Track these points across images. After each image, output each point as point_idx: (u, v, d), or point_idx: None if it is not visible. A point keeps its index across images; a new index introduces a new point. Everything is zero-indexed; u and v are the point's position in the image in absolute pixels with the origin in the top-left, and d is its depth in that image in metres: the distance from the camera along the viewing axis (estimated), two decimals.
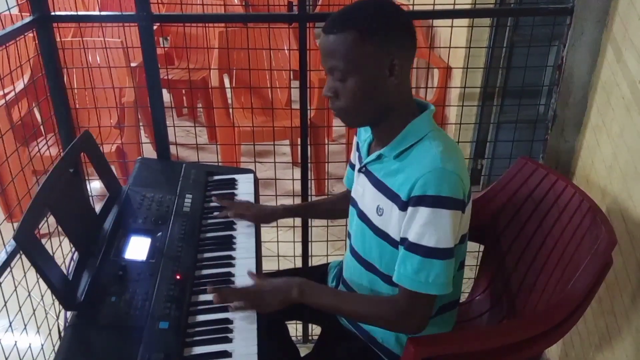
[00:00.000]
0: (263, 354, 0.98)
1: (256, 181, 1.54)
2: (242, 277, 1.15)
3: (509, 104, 2.57)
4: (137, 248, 1.18)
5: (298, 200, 1.75)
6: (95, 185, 1.90)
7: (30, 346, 1.47)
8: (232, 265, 1.20)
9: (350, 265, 1.19)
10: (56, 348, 1.17)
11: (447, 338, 1.10)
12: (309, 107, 1.61)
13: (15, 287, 1.36)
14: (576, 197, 1.22)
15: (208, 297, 1.07)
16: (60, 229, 1.09)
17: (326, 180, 2.66)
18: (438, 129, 1.04)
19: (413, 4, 1.57)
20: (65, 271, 1.06)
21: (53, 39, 1.48)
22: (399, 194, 1.00)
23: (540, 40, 2.22)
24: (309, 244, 1.77)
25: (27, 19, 1.42)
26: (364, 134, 1.14)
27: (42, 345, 1.58)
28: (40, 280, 0.99)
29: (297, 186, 1.72)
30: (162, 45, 3.76)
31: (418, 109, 1.05)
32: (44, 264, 0.97)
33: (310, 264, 1.81)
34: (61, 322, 1.10)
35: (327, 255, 1.82)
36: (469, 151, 2.68)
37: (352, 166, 1.24)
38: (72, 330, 0.99)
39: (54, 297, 1.00)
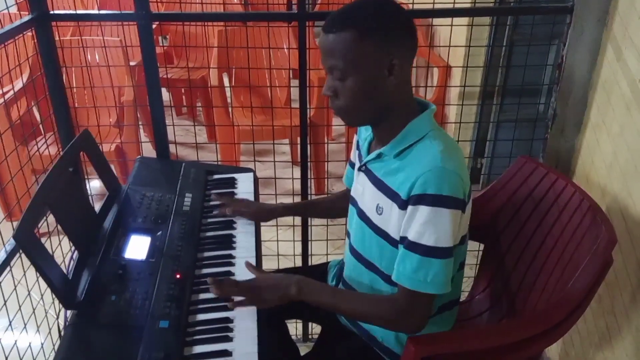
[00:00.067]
0: (263, 353, 0.98)
1: (256, 180, 1.54)
2: (242, 276, 1.15)
3: (509, 103, 2.57)
4: (137, 247, 1.18)
5: (298, 199, 1.75)
6: (94, 185, 1.89)
7: (30, 345, 1.47)
8: (232, 264, 1.20)
9: (350, 264, 1.19)
10: (56, 347, 1.17)
11: (447, 337, 1.10)
12: (308, 106, 1.61)
13: (15, 286, 1.36)
14: (576, 196, 1.22)
15: (208, 296, 1.07)
16: (59, 228, 1.09)
17: (326, 180, 2.66)
18: (438, 128, 1.04)
19: (413, 3, 1.57)
20: (65, 270, 1.06)
21: (52, 37, 1.47)
22: (398, 193, 1.00)
23: (540, 39, 2.22)
24: (309, 243, 1.77)
25: (26, 18, 1.42)
26: (365, 133, 1.14)
27: (42, 344, 1.58)
28: (40, 279, 0.99)
29: (297, 185, 1.71)
30: (161, 44, 3.75)
31: (419, 108, 1.05)
32: (43, 263, 0.97)
33: (310, 263, 1.81)
34: (61, 321, 1.10)
35: (326, 255, 1.82)
36: (468, 150, 2.68)
37: (352, 165, 1.23)
38: (72, 329, 0.99)
39: (53, 296, 1.00)
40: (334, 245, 1.90)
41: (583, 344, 1.53)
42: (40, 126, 2.08)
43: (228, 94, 2.92)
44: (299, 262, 1.84)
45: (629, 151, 1.30)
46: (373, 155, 1.07)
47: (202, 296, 1.09)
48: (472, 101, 2.57)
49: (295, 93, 1.63)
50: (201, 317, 1.05)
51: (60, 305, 1.03)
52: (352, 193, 1.18)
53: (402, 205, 0.98)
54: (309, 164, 1.67)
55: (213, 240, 1.27)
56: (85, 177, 1.58)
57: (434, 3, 1.57)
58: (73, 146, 1.22)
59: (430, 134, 1.01)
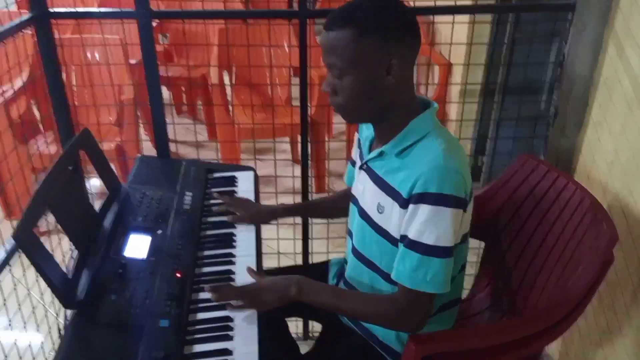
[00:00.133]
0: (263, 352, 0.98)
1: (256, 178, 1.53)
2: (242, 274, 1.15)
3: (510, 101, 2.56)
4: (137, 246, 1.17)
5: (298, 198, 1.74)
6: (94, 183, 1.89)
7: (30, 344, 1.47)
8: (233, 263, 1.19)
9: (351, 263, 1.19)
10: (56, 346, 1.17)
11: (447, 335, 1.10)
12: (309, 104, 1.61)
13: (15, 285, 1.36)
14: (577, 194, 1.21)
15: (208, 294, 1.07)
16: (59, 227, 1.09)
17: (326, 178, 2.66)
18: (440, 127, 1.03)
19: (414, 0, 1.57)
20: (64, 269, 1.06)
21: (52, 36, 1.47)
22: (400, 192, 0.99)
23: (541, 37, 2.21)
24: (310, 241, 1.77)
25: (26, 16, 1.41)
26: (366, 131, 1.14)
27: (42, 343, 1.58)
28: (40, 278, 0.99)
29: (297, 183, 1.71)
30: (161, 42, 3.74)
31: (421, 107, 1.04)
32: (43, 263, 0.97)
33: (310, 261, 1.80)
34: (61, 320, 1.10)
35: (327, 253, 1.81)
36: (469, 148, 2.67)
37: (353, 163, 1.23)
38: (72, 328, 0.99)
39: (53, 296, 1.00)
40: (334, 243, 1.90)
41: (583, 342, 1.53)
42: (40, 125, 2.08)
43: (228, 92, 2.91)
44: (299, 261, 1.84)
45: (630, 149, 1.30)
46: (374, 153, 1.07)
47: (203, 295, 1.09)
48: (473, 99, 2.56)
49: (295, 91, 1.63)
50: (201, 315, 1.05)
51: (61, 304, 1.03)
52: (353, 191, 1.18)
53: (403, 204, 0.98)
54: (309, 162, 1.67)
55: (213, 239, 1.27)
56: (85, 175, 1.57)
57: (435, 0, 1.56)
58: (73, 145, 1.22)
59: (432, 132, 1.01)
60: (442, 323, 1.15)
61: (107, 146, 2.49)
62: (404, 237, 0.98)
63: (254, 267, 1.17)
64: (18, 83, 2.43)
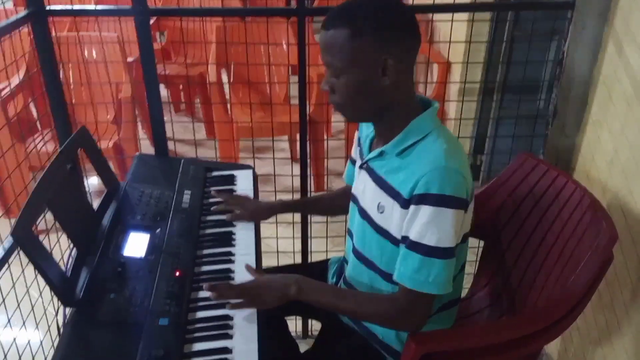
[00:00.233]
0: (263, 350, 0.98)
1: (255, 177, 1.53)
2: (241, 273, 1.14)
3: (509, 99, 2.56)
4: (136, 244, 1.17)
5: (297, 196, 1.74)
6: (92, 182, 1.88)
7: (29, 342, 1.47)
8: (232, 262, 1.19)
9: (351, 263, 1.18)
10: (55, 344, 1.17)
11: (447, 334, 1.10)
12: (307, 103, 1.60)
13: (14, 284, 1.35)
14: (577, 193, 1.21)
15: (208, 293, 1.07)
16: (58, 225, 1.08)
17: (325, 177, 2.65)
18: (441, 127, 1.03)
19: None
20: (63, 268, 1.06)
21: (48, 33, 1.46)
22: (400, 192, 0.99)
23: (541, 35, 2.21)
24: (309, 239, 1.77)
25: (22, 13, 1.40)
26: (366, 130, 1.13)
27: (41, 341, 1.57)
28: (39, 276, 0.99)
29: (296, 182, 1.71)
30: (159, 41, 3.73)
31: (421, 106, 1.04)
32: (42, 261, 0.96)
33: (310, 260, 1.80)
34: (60, 318, 1.10)
35: (326, 252, 1.81)
36: (468, 147, 2.67)
37: (353, 162, 1.23)
38: (71, 327, 0.99)
39: (52, 294, 0.99)
40: (333, 242, 1.90)
41: (582, 341, 1.53)
42: (38, 123, 2.07)
43: (227, 90, 2.91)
44: (298, 259, 1.83)
45: (630, 148, 1.30)
46: (375, 153, 1.06)
47: (202, 294, 1.09)
48: (472, 97, 2.56)
49: (294, 89, 1.62)
50: (201, 314, 1.05)
51: (59, 303, 1.02)
52: (354, 191, 1.17)
53: (404, 204, 0.98)
54: (308, 160, 1.67)
55: (212, 238, 1.26)
56: (84, 174, 1.57)
57: None
58: (71, 143, 1.21)
59: (433, 132, 1.00)
60: (442, 322, 1.15)
61: (105, 144, 2.49)
62: (405, 238, 0.98)
63: (254, 266, 1.17)
64: (15, 81, 2.42)
